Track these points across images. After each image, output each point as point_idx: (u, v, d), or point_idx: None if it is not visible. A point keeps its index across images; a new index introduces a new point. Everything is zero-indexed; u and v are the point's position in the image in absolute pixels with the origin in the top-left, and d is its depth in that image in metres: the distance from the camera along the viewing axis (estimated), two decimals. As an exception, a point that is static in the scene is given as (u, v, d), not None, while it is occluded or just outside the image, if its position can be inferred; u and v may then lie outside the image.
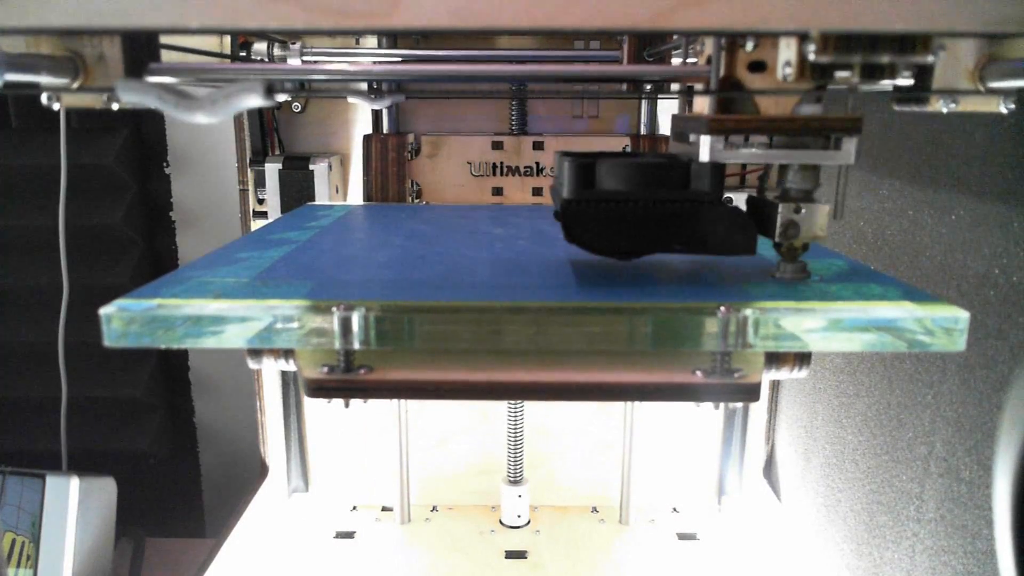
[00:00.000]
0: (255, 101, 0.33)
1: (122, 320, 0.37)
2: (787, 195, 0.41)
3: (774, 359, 0.43)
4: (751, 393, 0.42)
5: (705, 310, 0.38)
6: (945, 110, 0.43)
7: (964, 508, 0.55)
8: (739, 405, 0.97)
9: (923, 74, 0.41)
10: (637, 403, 0.96)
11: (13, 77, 0.37)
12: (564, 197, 0.44)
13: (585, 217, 0.43)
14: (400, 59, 0.86)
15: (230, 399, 1.22)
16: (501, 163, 0.91)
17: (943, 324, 0.36)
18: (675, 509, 1.02)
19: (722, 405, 0.99)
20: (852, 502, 0.75)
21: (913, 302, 0.38)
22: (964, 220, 0.56)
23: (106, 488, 0.98)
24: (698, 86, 0.47)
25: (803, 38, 0.34)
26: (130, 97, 0.35)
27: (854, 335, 0.37)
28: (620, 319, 0.38)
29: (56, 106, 0.42)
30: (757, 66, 0.39)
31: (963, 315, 0.36)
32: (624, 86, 0.80)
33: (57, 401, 1.01)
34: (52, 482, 0.92)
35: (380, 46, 0.88)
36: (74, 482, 0.92)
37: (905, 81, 0.36)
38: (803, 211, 0.41)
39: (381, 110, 0.92)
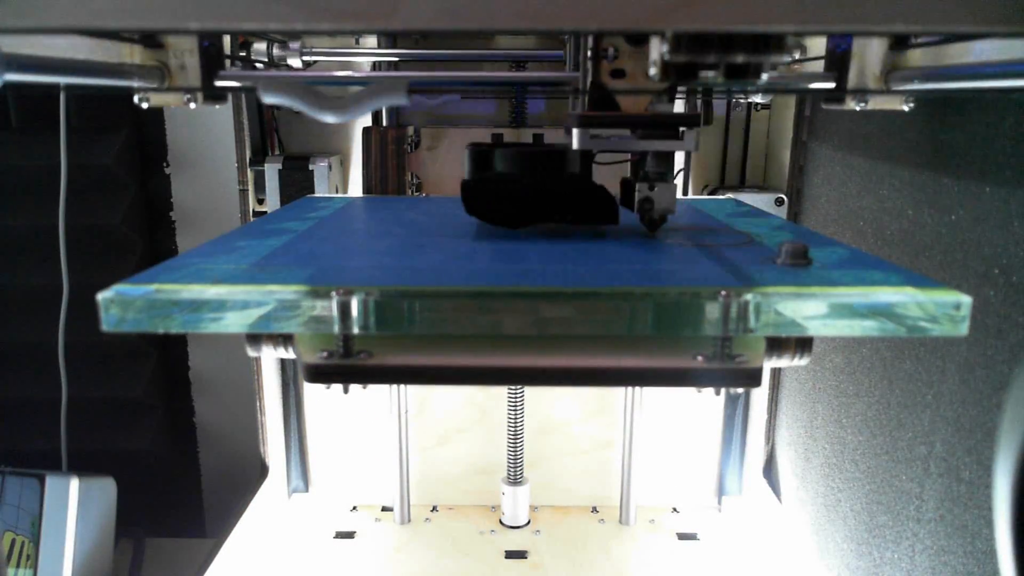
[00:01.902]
0: (398, 100, 0.37)
1: (120, 305, 0.36)
2: (646, 176, 0.49)
3: (776, 345, 0.43)
4: (752, 378, 0.42)
5: (706, 295, 0.37)
6: (858, 108, 0.53)
7: (964, 508, 0.55)
8: (740, 391, 0.97)
9: (841, 78, 0.53)
10: (637, 402, 0.96)
11: (110, 82, 0.47)
12: (464, 178, 0.55)
13: (480, 194, 0.53)
14: (399, 58, 0.86)
15: (230, 399, 1.22)
16: (501, 156, 0.91)
17: (945, 309, 0.36)
18: (675, 509, 1.02)
19: (723, 396, 0.99)
20: (852, 502, 0.75)
21: (915, 287, 0.38)
22: (964, 220, 0.56)
23: (106, 488, 0.98)
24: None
25: (663, 37, 0.37)
26: (272, 97, 0.37)
27: (855, 320, 0.37)
28: (621, 304, 0.38)
29: (145, 105, 0.53)
30: (618, 73, 0.46)
31: (965, 299, 0.36)
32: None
33: (57, 401, 1.01)
34: (52, 482, 0.92)
35: (380, 46, 0.88)
36: (74, 482, 0.92)
37: (828, 84, 0.45)
38: (656, 189, 0.49)
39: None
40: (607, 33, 0.45)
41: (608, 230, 0.55)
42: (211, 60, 0.53)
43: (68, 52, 0.44)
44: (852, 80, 0.53)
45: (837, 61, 0.54)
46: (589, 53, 0.46)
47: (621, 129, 0.47)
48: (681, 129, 0.47)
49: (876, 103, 0.53)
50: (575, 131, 0.47)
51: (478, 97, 0.94)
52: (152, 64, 0.52)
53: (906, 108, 0.54)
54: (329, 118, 0.37)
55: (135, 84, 0.50)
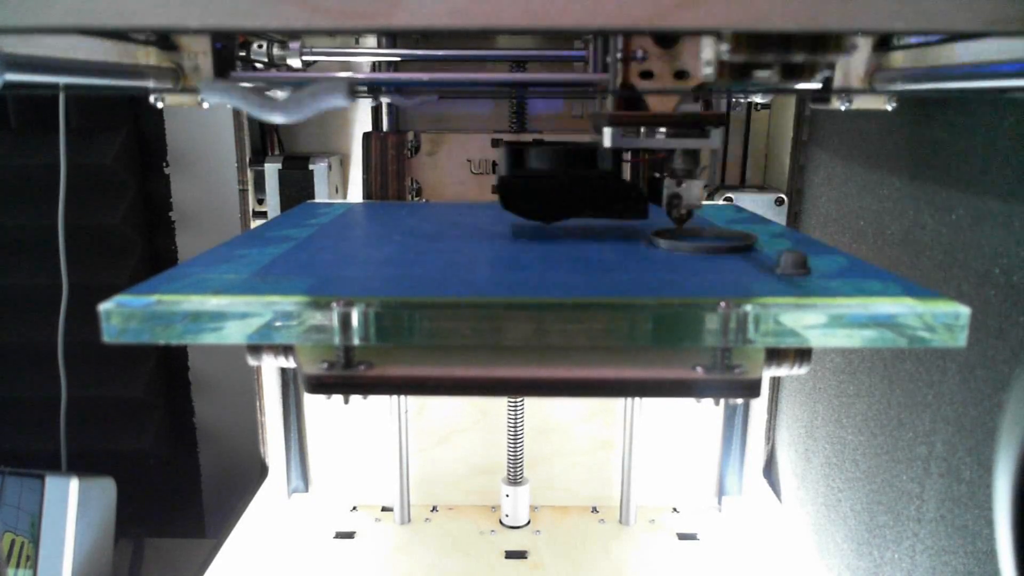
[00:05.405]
0: (339, 101, 0.35)
1: (121, 316, 0.37)
2: (673, 173, 0.51)
3: (775, 355, 0.43)
4: (752, 389, 0.42)
5: (705, 306, 0.37)
6: (843, 107, 0.55)
7: (964, 508, 0.55)
8: (739, 401, 0.97)
9: (828, 79, 0.55)
10: (637, 403, 0.96)
11: (126, 83, 0.48)
12: (500, 175, 0.57)
13: (517, 190, 0.54)
14: (399, 58, 0.86)
15: (230, 399, 1.21)
16: (501, 161, 0.91)
17: (944, 320, 0.36)
18: (675, 509, 1.02)
19: (722, 401, 0.99)
20: (852, 502, 0.75)
21: (914, 298, 0.38)
22: (964, 220, 0.56)
23: (106, 488, 0.98)
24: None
25: (719, 38, 0.38)
26: (214, 98, 0.38)
27: (854, 331, 0.37)
28: (620, 315, 0.38)
29: (160, 104, 0.55)
30: (646, 74, 0.47)
31: (964, 311, 0.36)
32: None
33: (57, 401, 1.01)
34: (52, 482, 0.92)
35: (380, 46, 0.88)
36: (73, 482, 0.92)
37: (815, 85, 0.45)
38: (684, 185, 0.51)
39: (380, 108, 0.92)
40: (614, 32, 0.45)
41: (608, 235, 0.55)
42: (223, 61, 0.55)
43: (80, 53, 0.44)
44: (837, 80, 0.55)
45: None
46: (619, 55, 0.47)
47: (650, 128, 0.49)
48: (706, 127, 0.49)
49: (860, 103, 0.55)
50: (607, 130, 0.48)
51: (480, 97, 0.94)
52: (167, 65, 0.54)
53: (888, 107, 0.56)
54: (279, 119, 0.37)
55: (150, 85, 0.52)
